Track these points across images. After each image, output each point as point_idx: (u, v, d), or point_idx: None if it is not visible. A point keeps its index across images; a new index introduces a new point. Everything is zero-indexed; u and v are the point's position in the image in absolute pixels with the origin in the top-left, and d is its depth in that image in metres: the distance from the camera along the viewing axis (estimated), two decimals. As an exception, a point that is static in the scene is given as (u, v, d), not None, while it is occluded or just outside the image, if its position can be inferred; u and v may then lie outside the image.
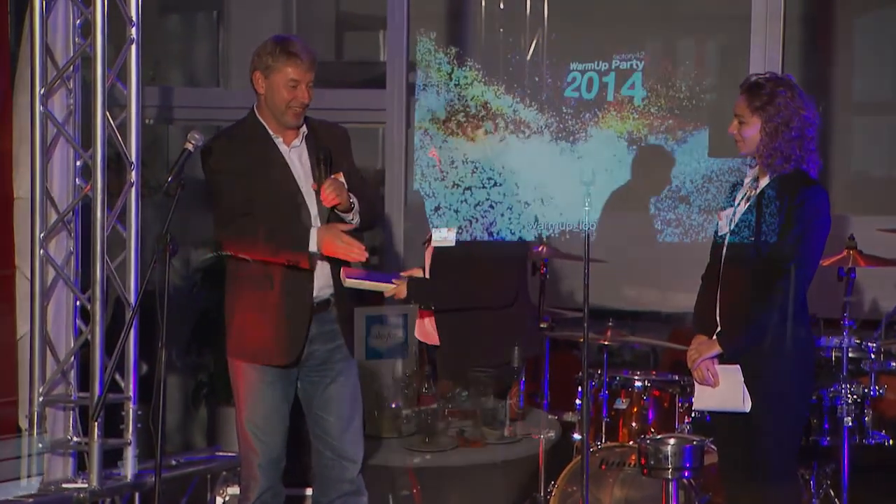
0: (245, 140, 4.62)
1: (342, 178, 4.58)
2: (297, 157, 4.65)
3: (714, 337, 4.58)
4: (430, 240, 5.39)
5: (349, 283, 4.63)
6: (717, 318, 4.60)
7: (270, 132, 4.63)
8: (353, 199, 4.60)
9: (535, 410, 5.49)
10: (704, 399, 4.65)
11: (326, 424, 4.71)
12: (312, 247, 4.52)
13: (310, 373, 4.70)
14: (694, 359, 4.62)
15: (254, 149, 4.60)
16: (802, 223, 4.43)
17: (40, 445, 4.99)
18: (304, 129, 4.66)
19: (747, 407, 4.51)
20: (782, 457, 4.56)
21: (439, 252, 5.26)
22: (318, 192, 4.57)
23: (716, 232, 4.66)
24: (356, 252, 4.53)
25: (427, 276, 5.33)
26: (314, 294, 4.62)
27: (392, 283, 4.93)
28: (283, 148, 4.64)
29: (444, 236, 5.28)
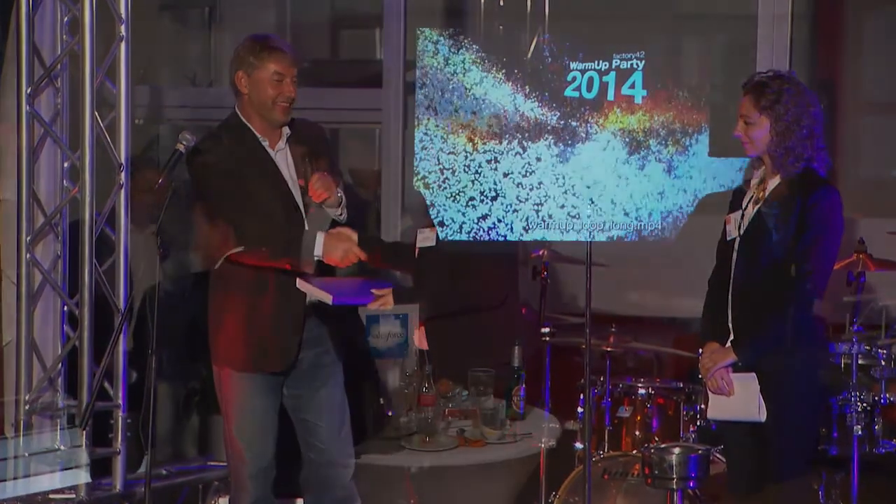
0: (234, 143, 4.55)
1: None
2: (283, 159, 4.60)
3: (728, 345, 4.49)
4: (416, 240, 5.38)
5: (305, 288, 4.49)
6: (730, 325, 4.51)
7: (257, 135, 4.56)
8: (341, 194, 4.57)
9: (536, 410, 5.46)
10: (718, 409, 4.57)
11: (318, 430, 4.67)
12: (318, 251, 4.45)
13: (297, 379, 4.64)
14: (708, 367, 4.53)
15: (243, 152, 4.54)
16: (816, 226, 4.36)
17: (26, 454, 4.89)
18: (286, 129, 4.61)
19: (763, 417, 4.44)
20: (794, 467, 4.50)
21: (423, 253, 5.25)
22: (304, 189, 4.52)
23: (723, 235, 4.58)
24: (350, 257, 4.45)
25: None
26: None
27: (372, 293, 4.76)
28: (269, 151, 4.58)
29: (426, 236, 5.25)
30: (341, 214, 4.57)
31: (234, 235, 4.46)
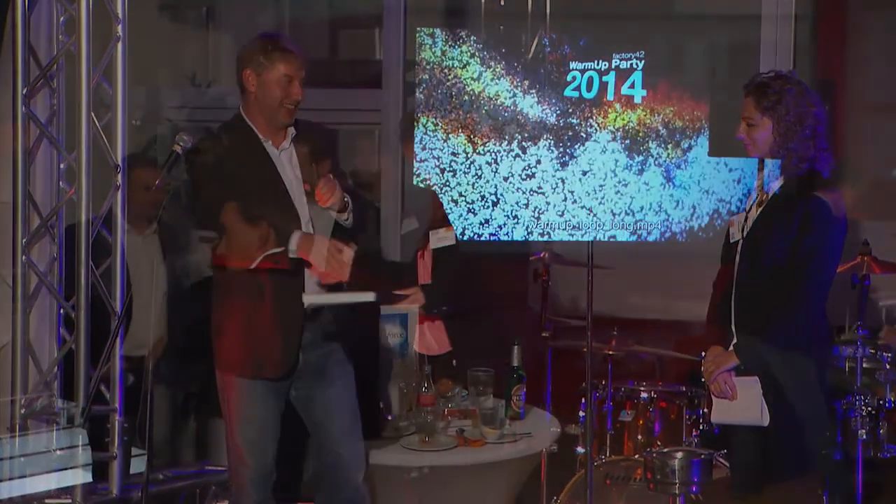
0: (234, 143, 4.52)
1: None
2: (287, 159, 4.58)
3: (731, 348, 4.45)
4: (424, 246, 5.35)
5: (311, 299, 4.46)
6: (733, 328, 4.48)
7: (259, 135, 4.53)
8: (348, 199, 4.54)
9: (536, 410, 5.45)
10: (721, 413, 4.55)
11: (328, 431, 4.65)
12: (291, 245, 4.37)
13: (305, 381, 4.61)
14: (711, 371, 4.51)
15: (242, 152, 4.51)
16: (819, 228, 4.33)
17: (21, 457, 4.85)
18: (291, 129, 4.59)
19: (766, 421, 4.42)
20: (798, 471, 4.46)
21: (440, 253, 5.24)
22: (310, 193, 4.48)
23: (727, 238, 4.54)
24: (332, 274, 4.38)
25: (431, 279, 5.31)
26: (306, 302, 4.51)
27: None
28: (272, 151, 4.56)
29: (441, 236, 5.23)
30: (347, 219, 4.54)
31: (273, 236, 4.41)
